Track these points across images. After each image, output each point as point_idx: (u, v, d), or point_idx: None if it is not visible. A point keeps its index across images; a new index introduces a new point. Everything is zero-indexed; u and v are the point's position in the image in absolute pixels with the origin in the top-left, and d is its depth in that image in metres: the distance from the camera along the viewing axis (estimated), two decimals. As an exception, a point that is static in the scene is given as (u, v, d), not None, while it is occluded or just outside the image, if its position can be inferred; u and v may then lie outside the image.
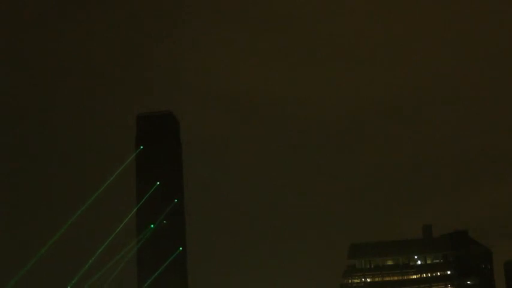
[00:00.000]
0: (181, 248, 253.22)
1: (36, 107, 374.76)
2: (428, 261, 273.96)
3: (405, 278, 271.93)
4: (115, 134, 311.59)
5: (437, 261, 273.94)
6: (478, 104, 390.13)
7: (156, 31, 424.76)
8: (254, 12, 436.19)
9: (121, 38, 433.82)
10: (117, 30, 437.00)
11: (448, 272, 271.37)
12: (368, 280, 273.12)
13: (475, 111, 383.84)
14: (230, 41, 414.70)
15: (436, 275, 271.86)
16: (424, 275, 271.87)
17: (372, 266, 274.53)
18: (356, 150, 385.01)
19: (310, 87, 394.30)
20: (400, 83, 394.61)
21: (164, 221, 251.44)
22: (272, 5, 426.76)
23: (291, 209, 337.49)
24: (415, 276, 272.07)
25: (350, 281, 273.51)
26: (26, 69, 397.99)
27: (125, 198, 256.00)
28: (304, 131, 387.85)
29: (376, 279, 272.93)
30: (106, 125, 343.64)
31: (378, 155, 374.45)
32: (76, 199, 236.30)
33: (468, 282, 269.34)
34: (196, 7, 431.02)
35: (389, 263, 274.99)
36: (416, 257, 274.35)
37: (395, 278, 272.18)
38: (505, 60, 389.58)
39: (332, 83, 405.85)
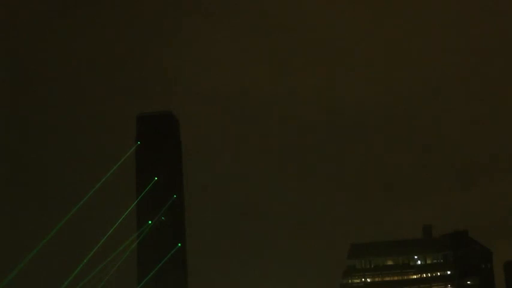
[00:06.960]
0: (180, 244, 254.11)
1: (36, 106, 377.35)
2: (428, 261, 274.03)
3: (405, 278, 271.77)
4: (115, 134, 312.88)
5: (437, 261, 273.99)
6: (478, 103, 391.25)
7: (156, 31, 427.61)
8: (254, 13, 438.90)
9: (121, 39, 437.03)
10: (117, 31, 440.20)
11: (448, 272, 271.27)
12: (368, 280, 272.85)
13: (475, 111, 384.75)
14: (231, 41, 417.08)
15: (436, 275, 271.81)
16: (424, 275, 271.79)
17: (372, 266, 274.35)
18: (356, 150, 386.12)
19: (310, 87, 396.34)
20: (400, 84, 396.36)
21: (162, 218, 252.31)
22: (272, 6, 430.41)
23: (290, 208, 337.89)
24: (415, 276, 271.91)
25: (350, 281, 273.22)
26: (26, 69, 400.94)
27: (124, 194, 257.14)
28: (304, 131, 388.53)
29: (376, 279, 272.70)
30: (106, 125, 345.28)
31: (377, 155, 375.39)
32: (75, 195, 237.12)
33: (468, 282, 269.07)
34: (195, 7, 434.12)
35: (390, 263, 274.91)
36: (416, 257, 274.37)
37: (395, 278, 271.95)
38: (505, 60, 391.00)
39: (332, 83, 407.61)
